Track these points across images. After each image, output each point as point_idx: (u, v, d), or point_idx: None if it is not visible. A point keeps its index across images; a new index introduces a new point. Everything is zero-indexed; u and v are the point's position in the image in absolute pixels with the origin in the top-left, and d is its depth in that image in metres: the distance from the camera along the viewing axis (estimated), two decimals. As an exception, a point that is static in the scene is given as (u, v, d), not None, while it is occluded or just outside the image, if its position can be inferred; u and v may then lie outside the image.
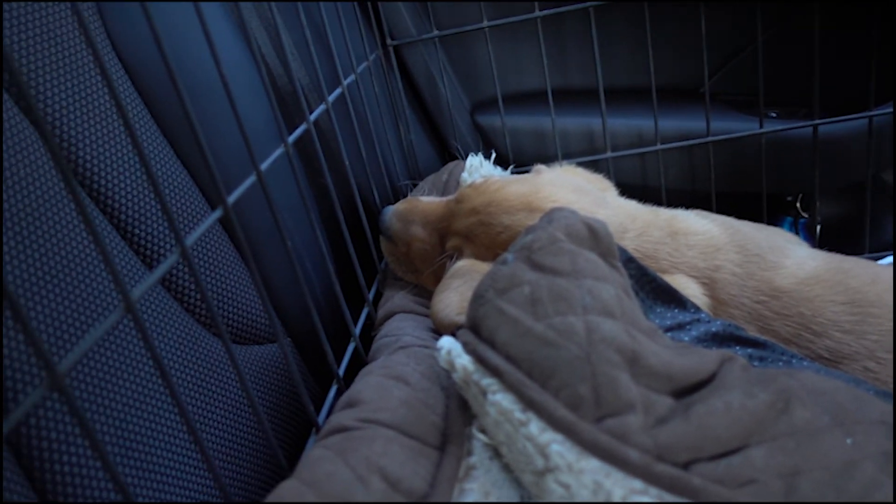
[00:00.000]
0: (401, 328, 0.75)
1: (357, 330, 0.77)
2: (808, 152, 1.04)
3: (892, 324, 0.65)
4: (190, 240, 0.45)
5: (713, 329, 0.59)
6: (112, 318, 0.38)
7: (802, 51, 1.10)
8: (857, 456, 0.42)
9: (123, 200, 0.64)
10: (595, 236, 0.54)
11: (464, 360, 0.50)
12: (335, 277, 0.69)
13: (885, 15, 1.01)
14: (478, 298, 0.52)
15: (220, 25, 0.80)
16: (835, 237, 1.13)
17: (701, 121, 1.07)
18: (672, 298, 0.62)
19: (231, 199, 0.49)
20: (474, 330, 0.51)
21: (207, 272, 0.71)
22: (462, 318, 0.67)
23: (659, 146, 1.06)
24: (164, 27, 0.71)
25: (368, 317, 0.82)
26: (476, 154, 1.03)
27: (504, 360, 0.47)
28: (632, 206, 0.80)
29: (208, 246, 0.72)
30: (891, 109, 0.98)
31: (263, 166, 0.55)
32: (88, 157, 0.62)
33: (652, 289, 0.61)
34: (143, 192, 0.66)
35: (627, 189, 0.92)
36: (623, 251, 0.61)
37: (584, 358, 0.45)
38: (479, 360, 0.49)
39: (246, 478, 0.67)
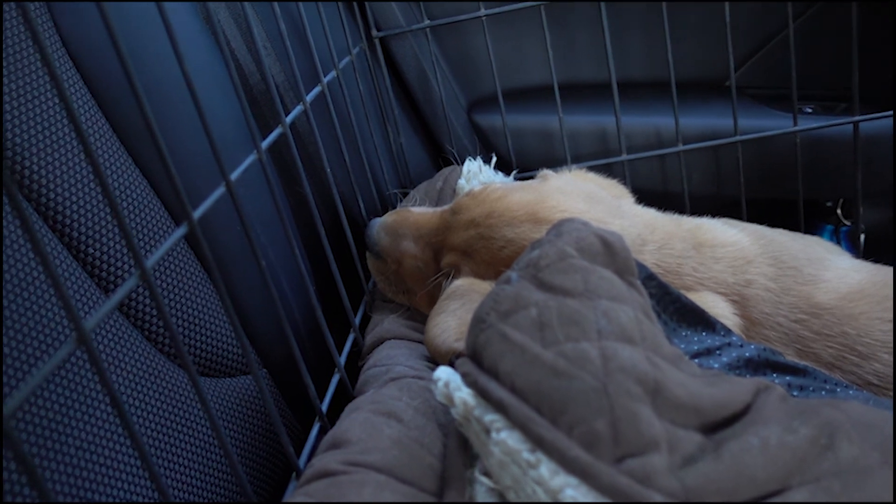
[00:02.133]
0: (392, 357, 0.75)
1: (342, 359, 0.76)
2: (848, 152, 1.04)
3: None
4: (151, 261, 0.44)
5: (746, 354, 0.59)
6: (62, 352, 0.38)
7: (840, 38, 1.10)
8: (912, 497, 0.42)
9: (76, 216, 0.64)
10: (610, 251, 0.54)
11: (463, 394, 0.50)
12: (316, 300, 0.68)
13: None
14: (478, 323, 0.52)
15: (184, 18, 0.80)
16: (880, 246, 1.13)
17: (728, 118, 1.07)
18: (699, 320, 0.62)
19: (197, 213, 0.49)
20: (475, 358, 0.51)
21: (171, 296, 0.71)
22: (461, 345, 0.67)
23: (680, 147, 1.06)
24: (121, 21, 0.71)
25: (355, 344, 0.82)
26: (474, 158, 1.03)
27: (509, 393, 0.47)
28: (651, 215, 0.80)
29: (172, 266, 0.72)
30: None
31: (233, 176, 0.55)
32: (35, 168, 0.62)
33: (676, 309, 0.61)
34: (99, 208, 0.66)
35: (645, 196, 0.92)
36: (642, 267, 0.61)
37: (601, 389, 0.45)
38: (481, 392, 0.49)
39: (217, 530, 0.67)
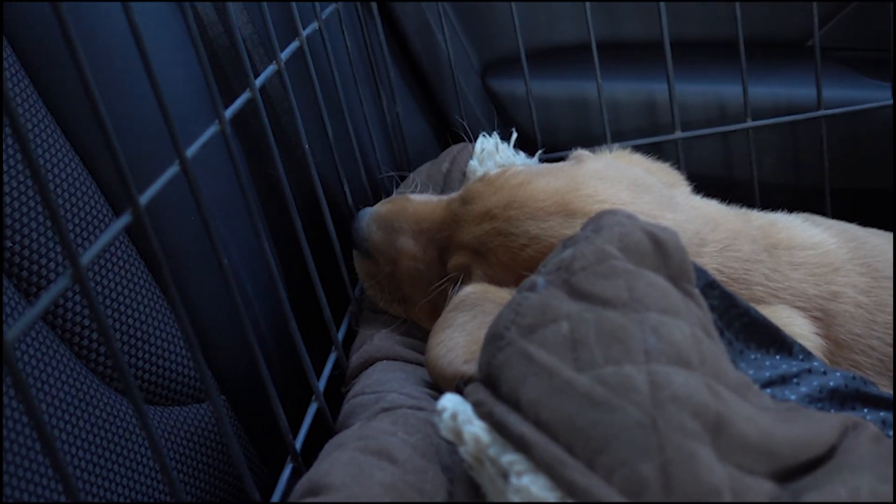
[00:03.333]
0: (384, 382, 0.75)
1: (321, 384, 0.76)
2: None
3: None
4: (86, 256, 0.44)
5: (831, 383, 0.59)
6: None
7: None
8: None
9: (-9, 201, 0.64)
10: (662, 251, 0.54)
11: (475, 428, 0.50)
12: (289, 310, 0.68)
13: None
14: (495, 339, 0.52)
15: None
16: None
17: (809, 87, 1.07)
18: (772, 339, 0.62)
19: (144, 198, 0.49)
20: (490, 384, 0.51)
21: (109, 303, 0.71)
22: (471, 368, 0.67)
23: (749, 123, 1.06)
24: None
25: (337, 365, 0.82)
26: (489, 134, 1.03)
27: (533, 428, 0.47)
28: (712, 208, 0.80)
29: (112, 266, 0.72)
30: None
31: (190, 152, 0.55)
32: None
33: (743, 326, 0.61)
34: (20, 190, 0.66)
35: (705, 184, 0.92)
36: (701, 272, 0.62)
37: (649, 424, 0.45)
38: (498, 427, 0.49)
39: None
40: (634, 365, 0.48)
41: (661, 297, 0.51)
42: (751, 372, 0.59)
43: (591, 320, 0.50)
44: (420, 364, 0.80)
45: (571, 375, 0.48)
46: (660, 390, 0.47)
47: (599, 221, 0.57)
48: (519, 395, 0.49)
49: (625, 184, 0.76)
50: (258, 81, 0.68)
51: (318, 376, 0.77)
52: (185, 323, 0.52)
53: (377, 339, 0.84)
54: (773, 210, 0.84)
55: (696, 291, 0.55)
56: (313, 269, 0.75)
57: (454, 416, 0.51)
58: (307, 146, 0.79)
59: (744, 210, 0.83)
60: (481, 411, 0.50)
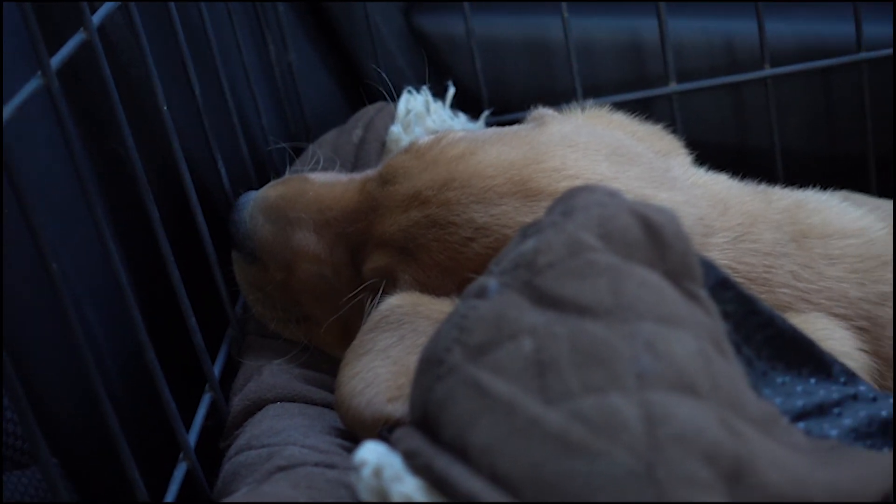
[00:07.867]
0: (278, 431, 0.75)
1: (192, 437, 0.76)
2: None
3: None
4: None
5: (883, 413, 0.60)
6: None
7: None
8: None
9: None
10: (657, 240, 0.54)
11: (407, 487, 0.50)
12: (145, 335, 0.68)
13: None
14: (433, 366, 0.52)
15: None
16: None
17: (845, 23, 1.08)
18: (805, 358, 0.63)
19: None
20: (427, 427, 0.51)
21: None
22: (399, 408, 0.68)
23: (767, 71, 1.07)
24: None
25: (214, 411, 0.82)
26: (416, 90, 1.03)
27: (488, 484, 0.47)
28: (721, 184, 0.81)
29: None
30: None
31: (6, 114, 0.54)
32: None
33: (766, 339, 0.62)
34: None
35: (710, 152, 0.93)
36: (711, 268, 0.62)
37: (644, 474, 0.45)
38: (440, 484, 0.49)
39: None
40: (623, 394, 0.48)
41: (656, 302, 0.52)
42: (778, 400, 0.60)
43: (563, 335, 0.50)
44: (328, 406, 0.81)
45: (538, 411, 0.48)
46: (658, 427, 0.47)
47: (571, 202, 0.57)
48: (467, 439, 0.49)
49: (603, 153, 0.77)
50: (96, 18, 0.68)
51: (188, 427, 0.76)
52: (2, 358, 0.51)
53: (267, 374, 0.84)
54: (800, 186, 0.85)
55: (704, 294, 0.56)
56: (178, 280, 0.74)
57: (378, 473, 0.51)
58: (165, 107, 0.78)
59: (763, 187, 0.84)
60: (416, 464, 0.50)
